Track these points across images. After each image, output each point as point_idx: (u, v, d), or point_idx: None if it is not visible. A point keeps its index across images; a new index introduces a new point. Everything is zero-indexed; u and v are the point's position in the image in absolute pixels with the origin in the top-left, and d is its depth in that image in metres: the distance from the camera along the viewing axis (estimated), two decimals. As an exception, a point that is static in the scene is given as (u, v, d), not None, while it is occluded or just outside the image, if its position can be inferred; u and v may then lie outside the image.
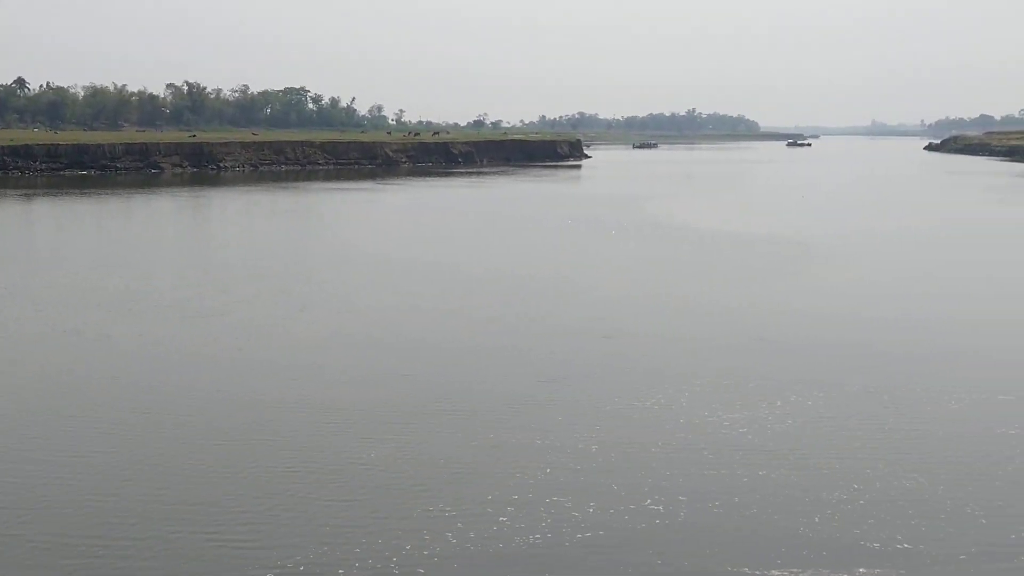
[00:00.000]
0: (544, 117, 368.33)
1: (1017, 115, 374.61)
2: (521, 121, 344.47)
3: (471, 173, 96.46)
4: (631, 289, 27.33)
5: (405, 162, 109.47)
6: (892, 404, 15.81)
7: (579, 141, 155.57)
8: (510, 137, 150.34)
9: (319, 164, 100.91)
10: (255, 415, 15.15)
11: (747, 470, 12.80)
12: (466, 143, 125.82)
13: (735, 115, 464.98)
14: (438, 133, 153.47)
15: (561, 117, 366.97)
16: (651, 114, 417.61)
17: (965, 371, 18.04)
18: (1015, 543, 10.73)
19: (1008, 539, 10.83)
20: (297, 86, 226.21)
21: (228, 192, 69.70)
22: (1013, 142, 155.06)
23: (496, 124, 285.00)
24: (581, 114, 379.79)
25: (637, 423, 14.84)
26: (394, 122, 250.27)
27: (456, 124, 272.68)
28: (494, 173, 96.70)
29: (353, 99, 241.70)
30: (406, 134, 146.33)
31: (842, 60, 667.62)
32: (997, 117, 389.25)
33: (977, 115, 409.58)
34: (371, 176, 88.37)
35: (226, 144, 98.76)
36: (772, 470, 12.81)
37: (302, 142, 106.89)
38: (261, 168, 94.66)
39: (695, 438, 14.09)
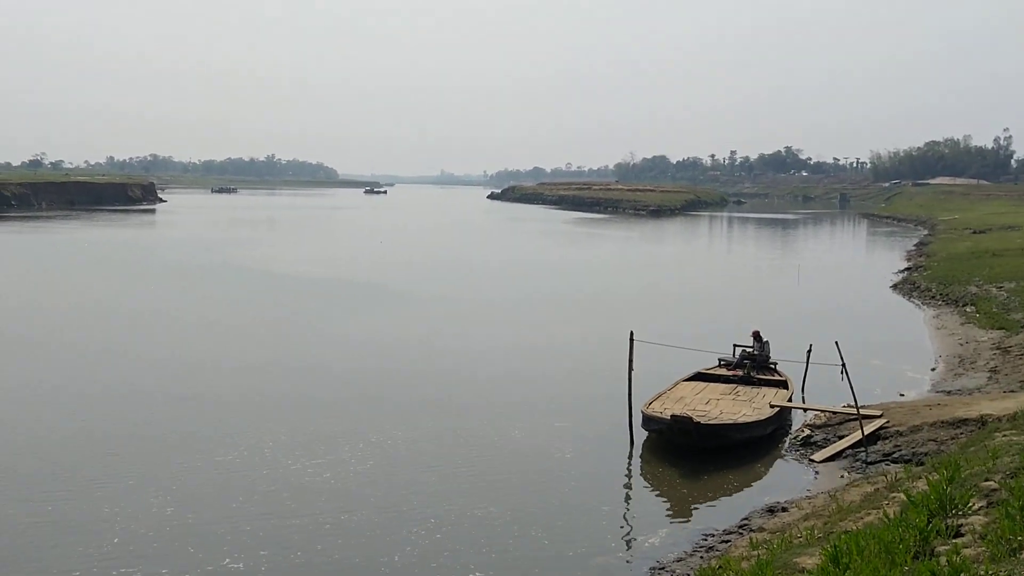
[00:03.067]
0: (113, 158, 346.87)
1: (564, 168, 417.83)
2: (86, 162, 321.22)
3: (27, 218, 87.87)
4: (206, 337, 26.59)
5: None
6: (462, 438, 16.89)
7: (152, 184, 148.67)
8: (73, 179, 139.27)
9: None
10: None
11: (331, 515, 12.96)
12: (21, 184, 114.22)
13: (314, 162, 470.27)
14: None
15: (132, 159, 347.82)
16: (230, 159, 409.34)
17: (521, 407, 19.67)
18: (571, 560, 11.93)
19: (566, 556, 12.01)
20: None
21: None
22: (561, 192, 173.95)
23: (57, 164, 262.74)
24: (154, 156, 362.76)
25: (216, 479, 14.44)
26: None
27: (8, 164, 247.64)
28: (56, 218, 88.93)
29: None
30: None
31: (409, 118, 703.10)
32: (548, 169, 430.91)
33: (531, 167, 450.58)
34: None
35: None
36: (353, 512, 13.10)
37: None
38: None
39: (277, 487, 14.01)
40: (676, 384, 19.63)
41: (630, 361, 16.83)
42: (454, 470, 15.15)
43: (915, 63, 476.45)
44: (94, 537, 12.03)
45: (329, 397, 19.97)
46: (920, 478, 10.82)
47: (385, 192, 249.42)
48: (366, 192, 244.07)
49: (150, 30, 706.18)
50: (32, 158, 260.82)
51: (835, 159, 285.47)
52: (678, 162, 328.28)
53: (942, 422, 15.96)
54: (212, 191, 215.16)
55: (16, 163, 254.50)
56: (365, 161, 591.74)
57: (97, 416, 18.06)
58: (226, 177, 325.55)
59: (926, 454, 14.60)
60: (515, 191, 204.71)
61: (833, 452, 15.86)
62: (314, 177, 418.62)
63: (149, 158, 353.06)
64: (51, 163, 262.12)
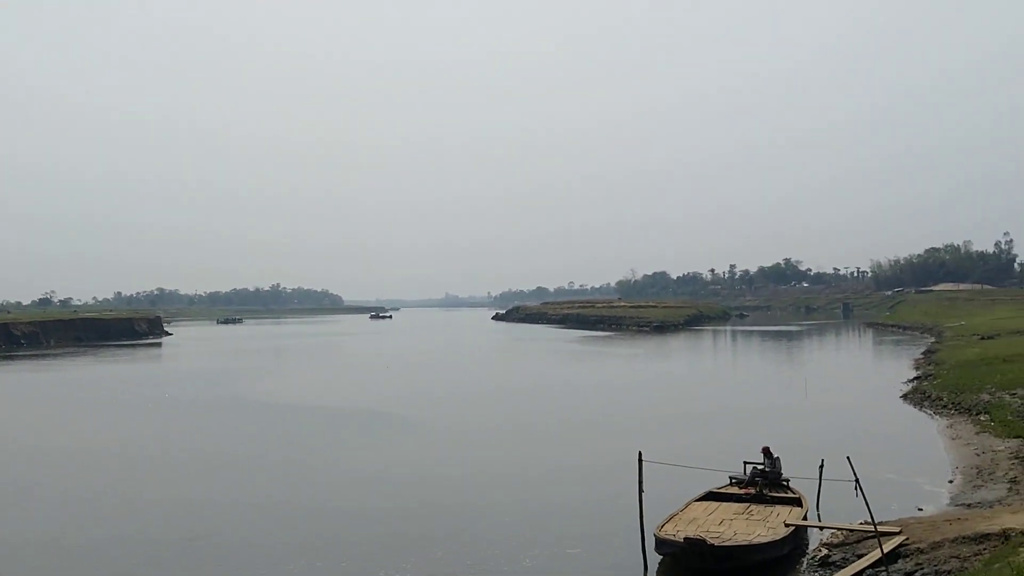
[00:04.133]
0: (120, 294, 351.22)
1: (566, 287, 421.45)
2: (94, 298, 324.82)
3: (36, 356, 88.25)
4: (211, 476, 26.28)
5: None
6: (474, 568, 16.48)
7: (159, 318, 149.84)
8: (81, 315, 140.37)
9: None
10: None
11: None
12: (30, 323, 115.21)
13: (319, 289, 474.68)
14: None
15: (138, 293, 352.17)
16: (235, 289, 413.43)
17: (533, 533, 19.29)
18: None
19: None
20: None
21: None
22: (565, 311, 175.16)
23: (65, 302, 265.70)
24: (160, 290, 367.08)
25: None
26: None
27: (19, 303, 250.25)
28: (65, 355, 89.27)
29: None
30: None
31: (416, 240, 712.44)
32: (551, 288, 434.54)
33: (534, 287, 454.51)
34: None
35: None
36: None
37: None
38: None
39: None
40: (688, 505, 19.27)
41: (640, 482, 16.58)
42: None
43: (911, 165, 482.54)
44: None
45: (335, 535, 19.57)
46: (944, 598, 10.49)
47: (391, 317, 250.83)
48: (372, 317, 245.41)
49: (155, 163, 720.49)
50: (42, 296, 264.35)
51: (835, 269, 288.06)
52: (678, 277, 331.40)
53: (963, 537, 15.59)
54: (218, 322, 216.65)
55: (26, 302, 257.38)
56: (370, 287, 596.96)
57: (104, 547, 17.69)
58: (232, 308, 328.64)
59: (949, 572, 14.21)
60: (519, 311, 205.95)
61: (853, 572, 15.42)
62: (319, 304, 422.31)
63: (155, 292, 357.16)
64: (60, 300, 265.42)
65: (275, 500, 22.68)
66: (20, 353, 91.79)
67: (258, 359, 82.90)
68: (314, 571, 16.41)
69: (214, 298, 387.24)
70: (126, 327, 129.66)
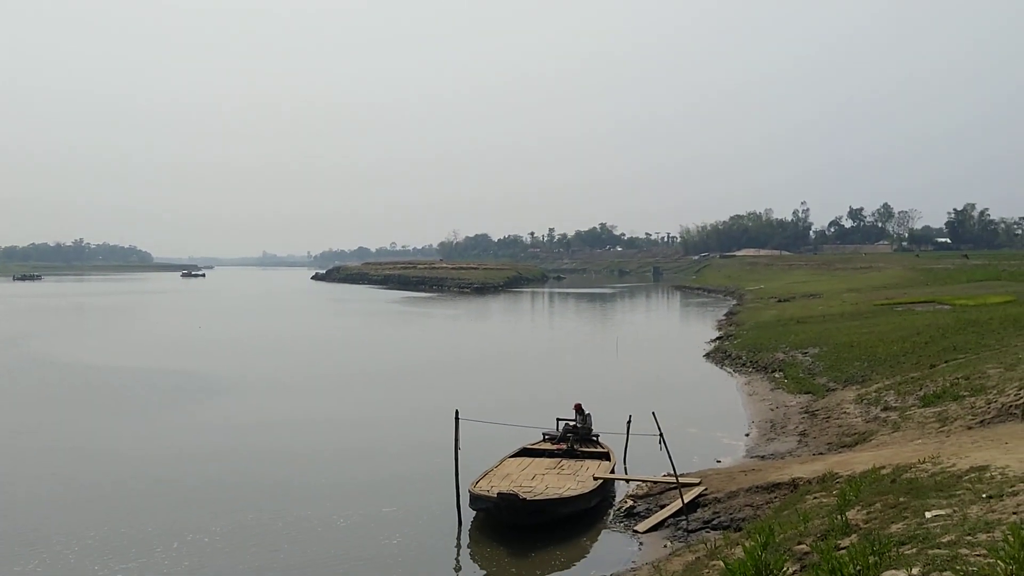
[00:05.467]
0: None
1: (388, 247, 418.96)
2: None
3: None
4: None
5: None
6: (285, 529, 16.24)
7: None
8: None
9: None
10: None
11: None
12: None
13: (127, 245, 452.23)
14: None
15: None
16: (33, 244, 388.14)
17: (348, 493, 19.19)
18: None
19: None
20: None
21: None
22: (387, 272, 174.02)
23: None
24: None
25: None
26: None
27: None
28: None
29: None
30: None
31: (235, 198, 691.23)
32: (372, 249, 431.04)
33: (356, 247, 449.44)
34: None
35: None
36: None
37: None
38: None
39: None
40: (502, 461, 19.64)
41: (456, 440, 16.74)
42: (276, 565, 14.51)
43: (724, 156, 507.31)
44: None
45: (140, 493, 18.85)
46: (737, 544, 11.14)
47: (204, 275, 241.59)
48: (183, 275, 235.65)
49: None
50: None
51: (647, 234, 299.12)
52: (499, 240, 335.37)
53: (757, 487, 16.57)
54: (14, 279, 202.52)
55: None
56: (182, 244, 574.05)
57: None
58: (29, 263, 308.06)
59: (743, 519, 15.08)
60: (340, 271, 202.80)
61: (656, 522, 16.16)
62: (127, 262, 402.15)
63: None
64: None
65: (76, 458, 21.55)
66: None
67: (58, 318, 78.23)
68: (118, 534, 15.72)
69: (9, 253, 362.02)
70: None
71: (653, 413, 16.97)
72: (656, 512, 16.70)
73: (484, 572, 14.67)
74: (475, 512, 16.76)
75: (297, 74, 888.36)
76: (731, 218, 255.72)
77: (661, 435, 17.13)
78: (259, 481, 19.87)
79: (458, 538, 16.06)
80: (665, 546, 14.91)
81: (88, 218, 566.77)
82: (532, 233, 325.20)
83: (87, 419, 27.65)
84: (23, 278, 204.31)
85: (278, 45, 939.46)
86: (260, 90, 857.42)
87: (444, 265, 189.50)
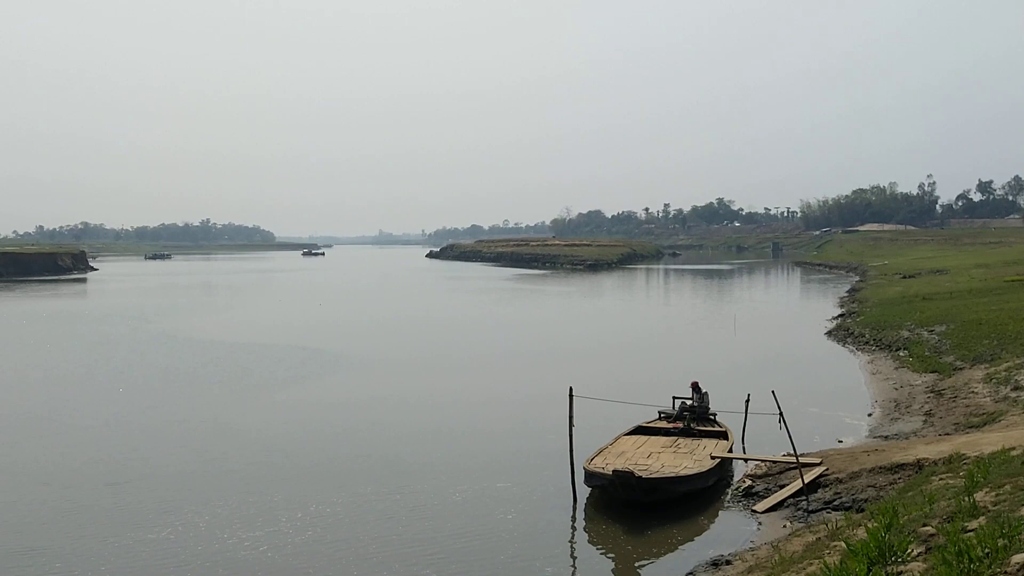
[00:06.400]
0: (42, 227, 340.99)
1: (501, 225, 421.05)
2: (14, 232, 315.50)
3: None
4: (136, 415, 25.91)
5: None
6: (403, 503, 16.59)
7: (83, 253, 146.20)
8: (1, 249, 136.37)
9: None
10: None
11: (267, 590, 12.58)
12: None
13: (251, 225, 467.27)
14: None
15: (62, 227, 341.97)
16: (163, 224, 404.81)
17: (463, 468, 19.46)
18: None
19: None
20: None
21: None
22: (499, 249, 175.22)
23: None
24: (85, 224, 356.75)
25: (146, 559, 13.91)
26: None
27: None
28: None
29: None
30: None
31: (349, 182, 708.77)
32: (486, 226, 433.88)
33: (469, 225, 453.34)
34: None
35: None
36: (292, 586, 12.74)
37: None
38: None
39: (212, 563, 13.54)
40: (617, 439, 19.59)
41: (570, 417, 16.75)
42: (396, 537, 14.82)
43: (844, 122, 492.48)
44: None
45: (267, 465, 19.53)
46: (860, 526, 10.86)
47: (323, 254, 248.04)
48: (304, 254, 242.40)
49: (78, 98, 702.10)
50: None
51: (766, 209, 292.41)
52: (613, 216, 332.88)
53: (880, 468, 16.11)
54: (146, 258, 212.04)
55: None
56: (302, 223, 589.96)
57: (22, 489, 17.39)
58: (160, 243, 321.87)
59: (866, 500, 14.68)
60: (454, 249, 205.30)
61: (775, 502, 15.88)
62: (251, 240, 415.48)
63: (80, 226, 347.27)
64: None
65: (200, 432, 22.48)
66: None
67: (188, 296, 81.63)
68: (246, 504, 16.35)
69: (141, 233, 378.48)
70: (49, 262, 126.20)
71: (772, 392, 16.63)
72: (775, 492, 16.40)
73: (599, 549, 14.69)
74: (590, 489, 16.78)
75: (410, 68, 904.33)
76: (853, 192, 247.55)
77: (781, 414, 16.78)
78: (378, 456, 20.32)
79: (573, 515, 16.11)
80: (784, 526, 14.65)
81: (213, 200, 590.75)
82: (647, 209, 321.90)
83: (215, 394, 28.76)
84: (154, 257, 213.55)
85: (395, 43, 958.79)
86: (380, 86, 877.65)
87: (557, 242, 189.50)
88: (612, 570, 13.73)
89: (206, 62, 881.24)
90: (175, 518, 15.61)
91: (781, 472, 17.42)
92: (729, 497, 16.94)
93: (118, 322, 52.69)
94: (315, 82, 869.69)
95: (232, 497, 16.95)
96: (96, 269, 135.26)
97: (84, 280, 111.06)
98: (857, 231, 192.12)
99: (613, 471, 16.17)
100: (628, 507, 15.83)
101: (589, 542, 15.10)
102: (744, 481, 17.53)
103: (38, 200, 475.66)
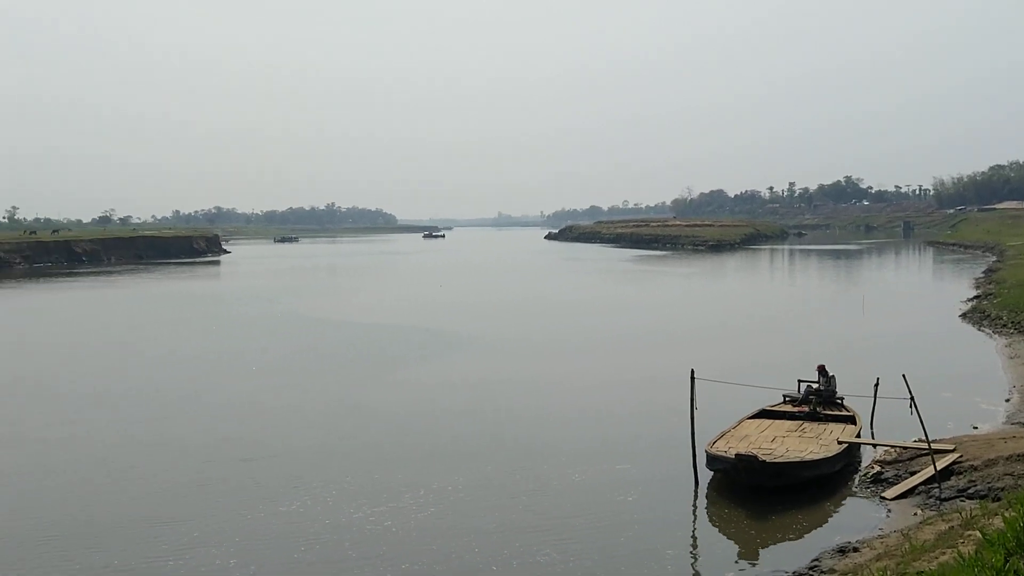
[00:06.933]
0: (178, 212, 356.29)
1: (620, 206, 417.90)
2: (153, 216, 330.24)
3: (98, 273, 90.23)
4: (268, 394, 26.90)
5: (20, 263, 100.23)
6: (523, 483, 16.76)
7: (217, 236, 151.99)
8: (141, 233, 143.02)
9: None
10: None
11: (390, 564, 12.87)
12: (91, 240, 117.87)
13: (373, 209, 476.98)
14: (58, 231, 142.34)
15: (197, 212, 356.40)
16: (291, 208, 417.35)
17: (584, 448, 19.50)
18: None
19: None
20: None
21: None
22: (619, 230, 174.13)
23: (125, 220, 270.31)
24: (218, 208, 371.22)
25: (278, 530, 14.47)
26: (5, 220, 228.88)
27: (79, 221, 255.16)
28: (124, 272, 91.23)
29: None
30: (21, 232, 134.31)
31: (470, 166, 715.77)
32: (604, 207, 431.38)
33: (588, 206, 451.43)
34: (-23, 280, 79.89)
35: None
36: (414, 562, 12.98)
37: None
38: None
39: (339, 537, 13.99)
40: (740, 422, 19.31)
41: (692, 400, 16.60)
42: (516, 516, 15.00)
43: (975, 87, 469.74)
44: (160, 589, 12.11)
45: (391, 444, 20.03)
46: (996, 515, 10.45)
47: (443, 236, 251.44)
48: (424, 236, 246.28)
49: (211, 90, 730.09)
50: (102, 214, 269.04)
51: (897, 187, 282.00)
52: (736, 196, 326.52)
53: (1019, 455, 15.43)
54: (274, 241, 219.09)
55: (87, 220, 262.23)
56: (423, 206, 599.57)
57: (164, 463, 18.30)
58: (287, 227, 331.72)
59: (1002, 489, 14.09)
60: (572, 230, 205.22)
61: (905, 489, 15.40)
62: (373, 224, 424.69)
63: (213, 210, 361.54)
64: (120, 219, 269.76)
65: (326, 410, 23.19)
66: (82, 271, 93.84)
67: (315, 278, 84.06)
68: (371, 480, 16.82)
69: (270, 217, 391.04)
70: (185, 245, 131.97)
71: (903, 375, 16.11)
72: (905, 479, 15.90)
73: (721, 532, 14.54)
74: (712, 473, 16.62)
75: (522, 51, 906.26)
76: (990, 168, 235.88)
77: (912, 399, 16.24)
78: (499, 435, 20.57)
79: (695, 498, 15.98)
80: (915, 514, 14.20)
81: (340, 187, 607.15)
82: (771, 188, 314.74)
83: (343, 374, 29.57)
84: (282, 240, 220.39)
85: (511, 24, 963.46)
86: (498, 71, 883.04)
87: (677, 222, 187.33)
88: (734, 553, 13.57)
89: (334, 49, 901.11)
90: (304, 493, 16.16)
91: (912, 459, 16.88)
92: (856, 483, 16.51)
93: (251, 303, 54.70)
94: (441, 67, 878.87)
95: (358, 473, 17.44)
96: (228, 252, 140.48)
97: (218, 262, 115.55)
98: (995, 209, 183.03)
99: (736, 455, 15.96)
100: (751, 492, 15.61)
101: (710, 525, 14.97)
102: (872, 467, 17.05)
103: (174, 186, 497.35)
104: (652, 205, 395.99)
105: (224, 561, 13.07)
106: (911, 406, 16.27)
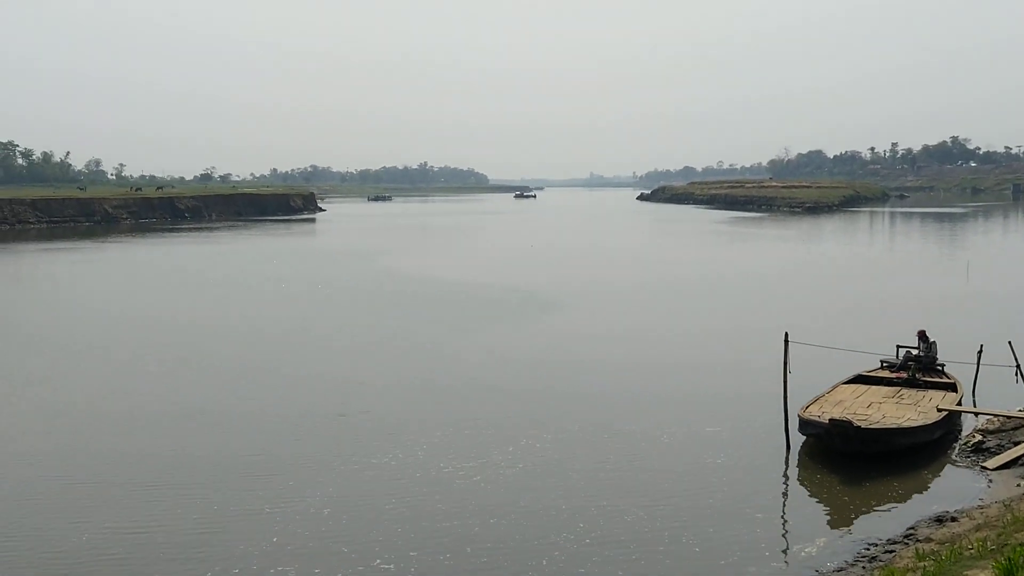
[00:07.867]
0: (276, 170, 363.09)
1: (715, 167, 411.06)
2: (252, 175, 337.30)
3: (200, 229, 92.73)
4: (364, 350, 27.34)
5: (126, 218, 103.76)
6: (612, 442, 16.71)
7: (313, 194, 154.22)
8: (240, 191, 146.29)
9: (30, 223, 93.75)
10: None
11: (479, 519, 13.02)
12: (193, 197, 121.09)
13: (465, 168, 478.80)
14: (162, 188, 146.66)
15: (294, 170, 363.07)
16: (384, 167, 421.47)
17: (672, 409, 19.33)
18: (724, 569, 11.57)
19: (718, 565, 11.66)
20: (4, 140, 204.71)
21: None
22: (712, 191, 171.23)
23: (225, 178, 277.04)
24: (314, 167, 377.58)
25: (370, 482, 14.73)
26: (114, 177, 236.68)
27: (182, 178, 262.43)
28: (224, 228, 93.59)
29: (68, 153, 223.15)
30: (128, 189, 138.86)
31: (562, 118, 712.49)
32: (699, 168, 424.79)
33: (681, 167, 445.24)
34: (89, 235, 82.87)
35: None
36: (503, 517, 13.10)
37: (9, 199, 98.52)
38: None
39: (429, 491, 14.19)
40: (835, 387, 18.86)
41: (785, 363, 16.27)
42: (604, 475, 14.98)
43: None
44: (252, 536, 12.45)
45: (480, 400, 20.19)
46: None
47: (535, 196, 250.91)
48: (516, 197, 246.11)
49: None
50: (203, 172, 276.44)
51: (1007, 148, 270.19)
52: (835, 156, 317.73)
53: None
54: (368, 199, 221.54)
55: (189, 177, 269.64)
56: (515, 166, 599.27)
57: (263, 418, 18.78)
58: (381, 185, 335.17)
59: (1114, 462, 13.49)
60: (665, 191, 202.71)
61: (1008, 459, 14.86)
62: (465, 183, 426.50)
63: (309, 169, 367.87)
64: (220, 176, 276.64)
65: (416, 369, 23.46)
66: (184, 226, 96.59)
67: (408, 236, 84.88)
68: (460, 438, 16.98)
69: (364, 176, 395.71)
70: (282, 203, 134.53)
71: (1009, 342, 15.52)
72: (1009, 449, 15.34)
73: (813, 498, 14.27)
74: (804, 437, 16.29)
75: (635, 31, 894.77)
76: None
77: (1018, 366, 15.65)
78: (587, 394, 20.55)
79: (786, 462, 15.71)
80: (1018, 485, 13.69)
81: (433, 146, 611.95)
82: (872, 148, 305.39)
83: (435, 331, 29.87)
84: (376, 199, 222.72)
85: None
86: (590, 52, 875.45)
87: (774, 184, 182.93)
88: (826, 519, 13.32)
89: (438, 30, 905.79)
90: (396, 447, 16.40)
91: (1016, 428, 16.27)
92: (956, 452, 16.01)
93: (346, 260, 55.58)
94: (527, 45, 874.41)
95: (448, 429, 17.61)
96: (324, 210, 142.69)
97: (313, 220, 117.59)
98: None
99: (830, 420, 15.61)
100: (845, 458, 15.26)
101: (802, 490, 14.71)
102: (974, 436, 16.49)
103: (273, 143, 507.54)
104: (748, 166, 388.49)
105: (318, 510, 13.37)
106: (1016, 374, 15.70)
